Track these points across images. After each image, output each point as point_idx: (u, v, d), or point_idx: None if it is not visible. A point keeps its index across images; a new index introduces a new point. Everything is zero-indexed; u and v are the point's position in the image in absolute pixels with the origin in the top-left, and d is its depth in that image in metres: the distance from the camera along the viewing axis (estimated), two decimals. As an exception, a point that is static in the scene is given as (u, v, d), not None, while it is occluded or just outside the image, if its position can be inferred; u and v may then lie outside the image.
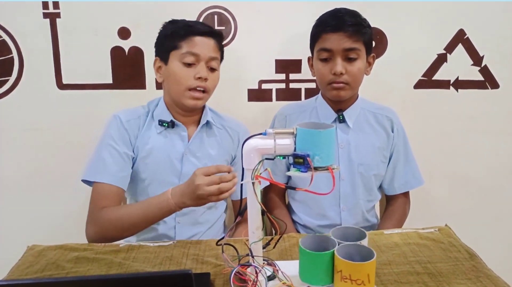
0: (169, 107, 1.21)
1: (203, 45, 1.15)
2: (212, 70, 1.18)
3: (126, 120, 1.19)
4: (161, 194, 1.03)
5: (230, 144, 1.28)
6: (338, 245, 0.77)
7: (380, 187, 1.38)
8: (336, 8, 1.24)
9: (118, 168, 1.14)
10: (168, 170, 1.19)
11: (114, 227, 1.06)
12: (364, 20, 1.23)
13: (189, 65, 1.14)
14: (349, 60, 1.20)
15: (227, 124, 1.29)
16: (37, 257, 0.93)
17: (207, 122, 1.24)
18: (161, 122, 1.19)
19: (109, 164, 1.13)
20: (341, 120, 1.28)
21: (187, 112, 1.21)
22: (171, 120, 1.20)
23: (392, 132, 1.32)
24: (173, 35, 1.15)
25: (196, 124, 1.24)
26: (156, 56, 1.21)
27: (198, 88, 1.15)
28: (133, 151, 1.19)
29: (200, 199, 0.96)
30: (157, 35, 1.22)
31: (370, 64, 1.28)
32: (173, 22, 1.20)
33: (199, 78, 1.14)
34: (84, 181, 1.17)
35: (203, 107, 1.25)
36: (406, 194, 1.38)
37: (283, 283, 0.78)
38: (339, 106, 1.29)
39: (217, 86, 1.22)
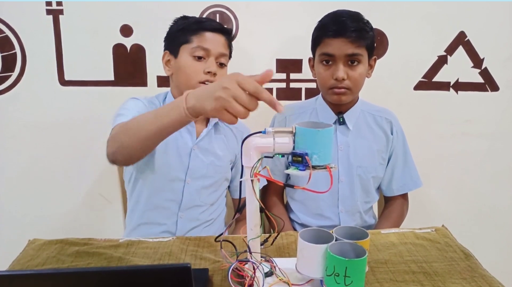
0: None
1: (213, 40, 1.17)
2: (221, 65, 1.20)
3: (149, 107, 1.19)
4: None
5: (235, 143, 1.30)
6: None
7: (379, 188, 1.39)
8: (338, 11, 1.22)
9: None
10: (176, 164, 1.20)
11: (124, 131, 0.95)
12: (367, 23, 1.21)
13: (199, 58, 1.16)
14: (351, 65, 1.20)
15: None
16: (38, 251, 0.94)
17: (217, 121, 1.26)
18: None
19: (133, 114, 1.05)
20: (341, 122, 1.29)
21: None
22: None
23: (392, 134, 1.32)
24: (184, 29, 1.18)
25: (202, 120, 1.25)
26: (165, 50, 1.23)
27: (206, 82, 1.16)
28: None
29: (215, 99, 0.73)
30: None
31: (371, 67, 1.27)
32: (184, 18, 1.22)
33: (209, 72, 1.16)
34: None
35: None
36: (404, 196, 1.39)
37: (280, 279, 0.79)
38: (340, 108, 1.29)
39: None
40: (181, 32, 1.18)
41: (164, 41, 1.24)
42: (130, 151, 0.94)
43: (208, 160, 1.23)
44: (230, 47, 1.24)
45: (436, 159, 1.66)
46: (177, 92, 1.22)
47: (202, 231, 1.25)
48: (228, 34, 1.22)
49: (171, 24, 1.23)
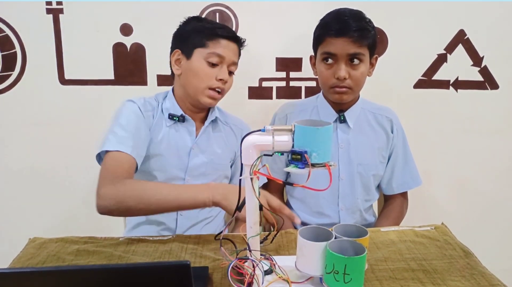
0: (179, 101, 1.22)
1: (228, 48, 1.17)
2: (230, 74, 1.20)
3: (144, 110, 1.18)
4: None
5: (234, 141, 1.30)
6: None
7: (379, 187, 1.39)
8: (340, 9, 1.22)
9: (135, 143, 1.10)
10: (175, 164, 1.21)
11: (135, 197, 0.97)
12: (369, 22, 1.21)
13: (213, 65, 1.15)
14: (353, 64, 1.19)
15: (231, 121, 1.31)
16: (38, 249, 0.94)
17: (214, 118, 1.25)
18: (171, 116, 1.20)
19: (127, 138, 1.09)
20: (342, 120, 1.29)
21: (198, 109, 1.22)
22: (182, 115, 1.20)
23: (392, 132, 1.32)
24: (199, 32, 1.16)
25: (202, 120, 1.25)
26: (176, 48, 1.20)
27: (217, 89, 1.16)
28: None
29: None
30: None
31: (372, 66, 1.27)
32: (197, 19, 1.21)
33: (221, 79, 1.15)
34: (98, 157, 1.13)
35: None
36: (404, 194, 1.39)
37: (279, 277, 0.79)
38: (341, 106, 1.29)
39: None
40: (195, 34, 1.16)
41: (174, 38, 1.21)
42: (134, 213, 1.03)
43: (208, 158, 1.23)
44: (239, 55, 1.24)
45: (436, 157, 1.66)
46: (182, 92, 1.21)
47: (202, 229, 1.26)
48: (240, 43, 1.22)
49: (181, 23, 1.21)
